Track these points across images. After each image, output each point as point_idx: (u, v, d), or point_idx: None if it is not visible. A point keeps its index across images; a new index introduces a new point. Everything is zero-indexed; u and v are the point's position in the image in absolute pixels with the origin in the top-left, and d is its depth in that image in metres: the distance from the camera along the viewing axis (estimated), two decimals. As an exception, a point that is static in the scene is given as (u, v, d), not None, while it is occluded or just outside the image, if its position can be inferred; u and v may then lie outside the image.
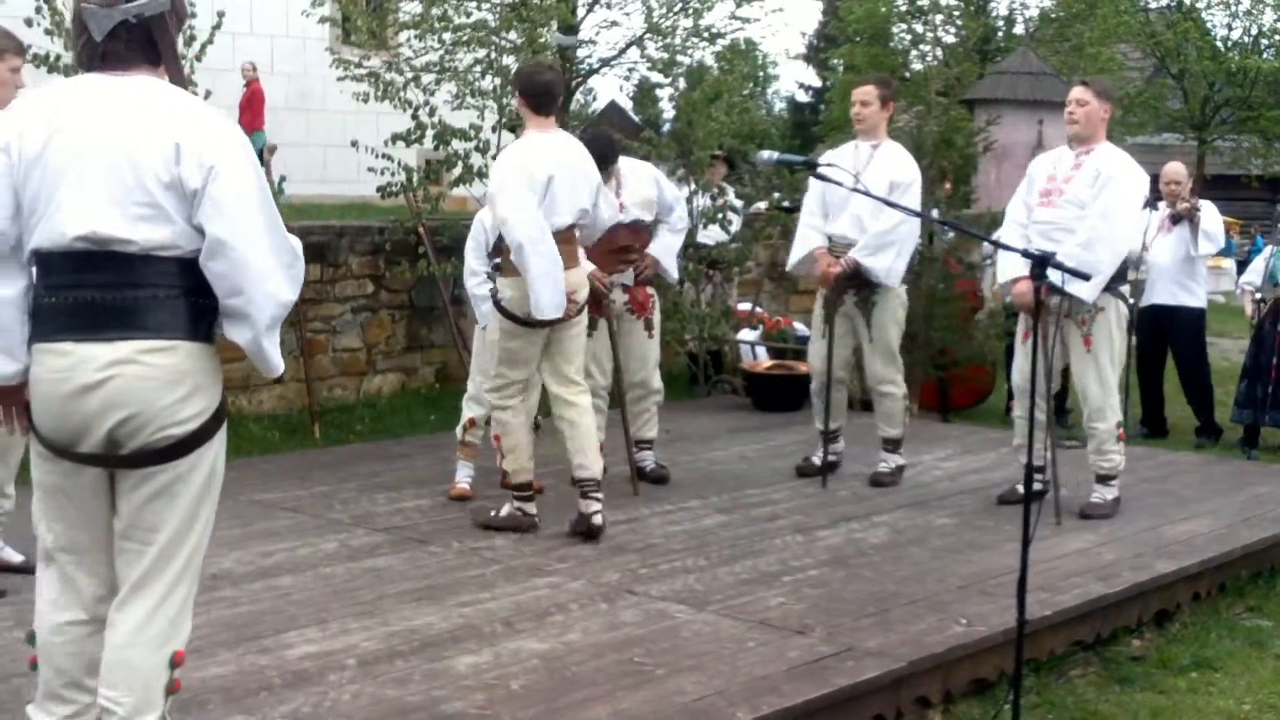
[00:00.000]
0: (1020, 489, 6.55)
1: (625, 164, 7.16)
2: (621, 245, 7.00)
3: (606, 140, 6.85)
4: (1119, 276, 6.53)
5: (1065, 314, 6.45)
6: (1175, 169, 9.89)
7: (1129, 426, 9.48)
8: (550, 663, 4.53)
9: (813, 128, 38.07)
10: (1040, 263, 4.33)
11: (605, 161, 6.47)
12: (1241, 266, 12.33)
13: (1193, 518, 6.66)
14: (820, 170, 5.34)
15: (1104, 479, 6.67)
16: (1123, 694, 5.09)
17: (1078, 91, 6.54)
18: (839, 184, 5.53)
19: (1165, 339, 9.87)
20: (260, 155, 6.92)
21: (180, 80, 3.26)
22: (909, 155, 7.25)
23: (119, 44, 3.19)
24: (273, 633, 4.78)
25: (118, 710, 3.27)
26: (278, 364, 3.27)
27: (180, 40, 3.57)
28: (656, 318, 7.27)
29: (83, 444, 3.19)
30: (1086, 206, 6.37)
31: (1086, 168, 6.44)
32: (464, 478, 6.85)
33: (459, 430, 6.89)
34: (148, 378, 3.14)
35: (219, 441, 3.32)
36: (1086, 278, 4.64)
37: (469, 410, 6.84)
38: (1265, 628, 5.89)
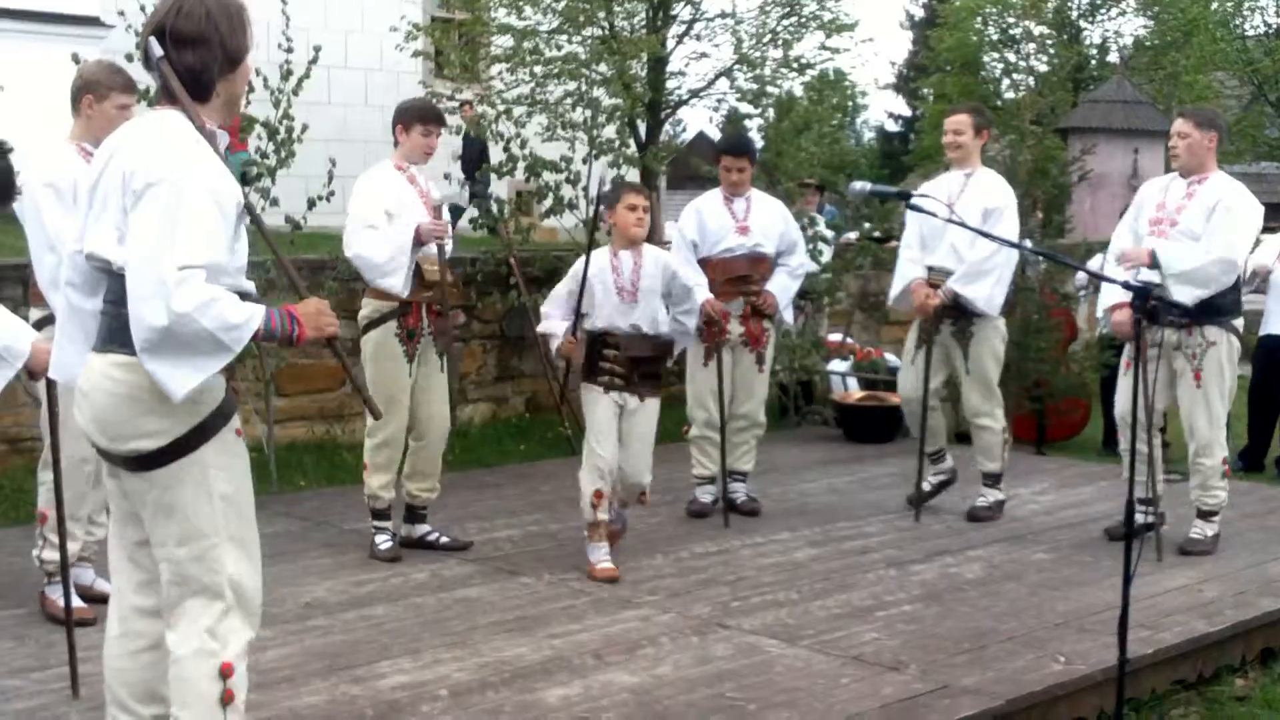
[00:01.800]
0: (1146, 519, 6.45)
1: (756, 193, 7.19)
2: (740, 275, 7.00)
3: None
4: (1232, 309, 6.40)
5: (1175, 347, 6.34)
6: None
7: (1230, 459, 9.31)
8: (640, 696, 4.51)
9: (902, 157, 37.90)
10: (1142, 294, 4.25)
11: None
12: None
13: (1297, 554, 6.50)
14: (914, 201, 5.28)
15: (1206, 515, 6.53)
16: (1226, 735, 4.97)
17: (1178, 124, 6.44)
18: (932, 214, 5.47)
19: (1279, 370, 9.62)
20: (243, 175, 7.07)
21: (192, 115, 3.34)
22: (1003, 181, 7.18)
23: (159, 82, 3.42)
24: (365, 663, 4.81)
25: None
26: (168, 389, 3.19)
27: (259, 78, 3.68)
28: (770, 352, 7.25)
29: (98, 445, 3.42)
30: (1200, 238, 6.26)
31: (1200, 197, 6.32)
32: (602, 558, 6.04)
33: (586, 508, 6.01)
34: (112, 392, 3.30)
35: (216, 454, 3.35)
36: (1187, 311, 4.53)
37: (593, 482, 5.96)
38: (1374, 668, 5.72)
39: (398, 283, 6.03)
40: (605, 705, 4.42)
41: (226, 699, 3.37)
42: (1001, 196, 6.99)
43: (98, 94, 5.16)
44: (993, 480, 7.21)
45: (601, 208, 6.17)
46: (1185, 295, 6.10)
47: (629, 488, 6.11)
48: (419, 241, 6.03)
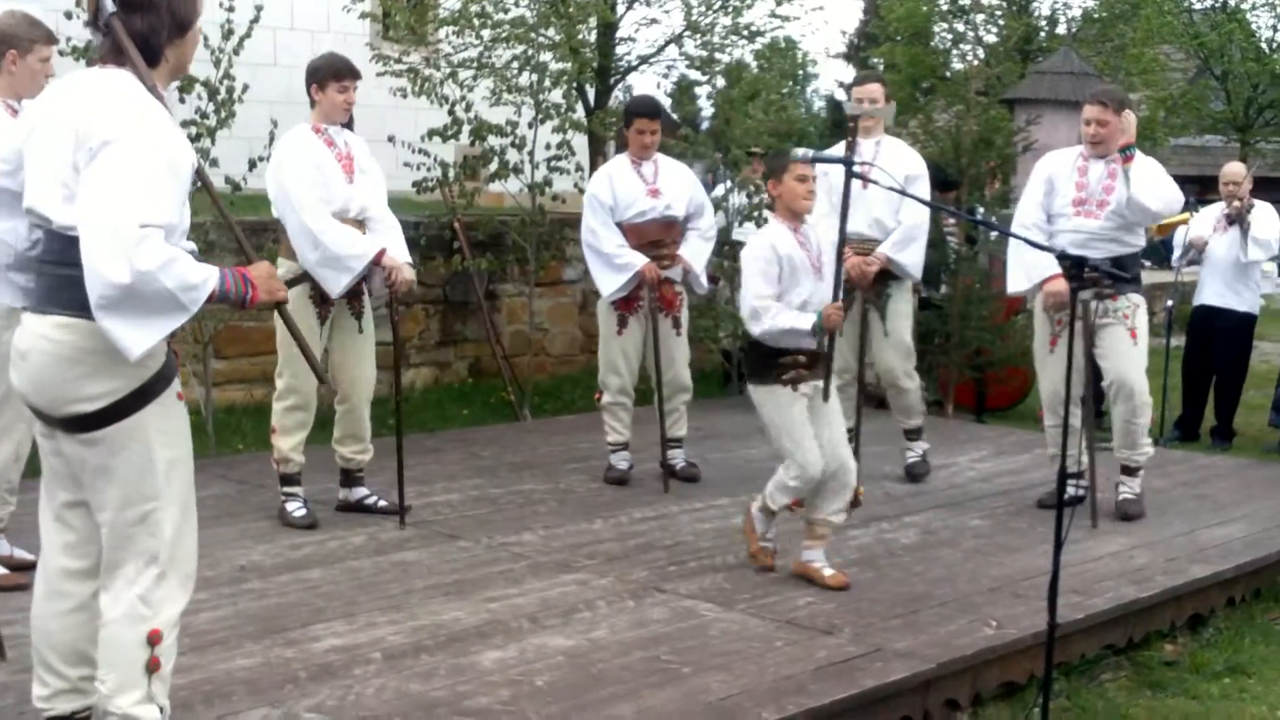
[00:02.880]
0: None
1: (662, 156, 7.17)
2: (654, 240, 6.99)
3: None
4: (1138, 278, 6.57)
5: (1102, 315, 6.40)
6: (1234, 169, 9.76)
7: (1165, 429, 9.44)
8: (576, 659, 4.52)
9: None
10: (1079, 264, 4.27)
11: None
12: (1282, 268, 12.17)
13: (1228, 522, 6.59)
14: (859, 169, 5.28)
15: (1133, 471, 6.60)
16: (1154, 699, 5.04)
17: (1095, 111, 6.40)
18: (876, 183, 5.45)
19: (1211, 340, 9.74)
20: None
21: (141, 74, 3.30)
22: (912, 149, 7.32)
23: (104, 40, 3.36)
24: (299, 625, 4.79)
25: (100, 688, 3.37)
26: (124, 347, 3.14)
27: (201, 39, 3.59)
28: (684, 315, 7.24)
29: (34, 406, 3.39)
30: (1127, 215, 6.33)
31: (1123, 176, 6.37)
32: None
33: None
34: (52, 353, 3.27)
35: (158, 418, 3.33)
36: (1127, 280, 4.58)
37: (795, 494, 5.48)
38: (1300, 634, 5.82)
39: (338, 287, 5.98)
40: (540, 668, 4.42)
41: (152, 665, 3.36)
42: (918, 163, 7.14)
43: (21, 48, 5.04)
44: (916, 433, 7.32)
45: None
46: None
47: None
48: (375, 263, 5.97)
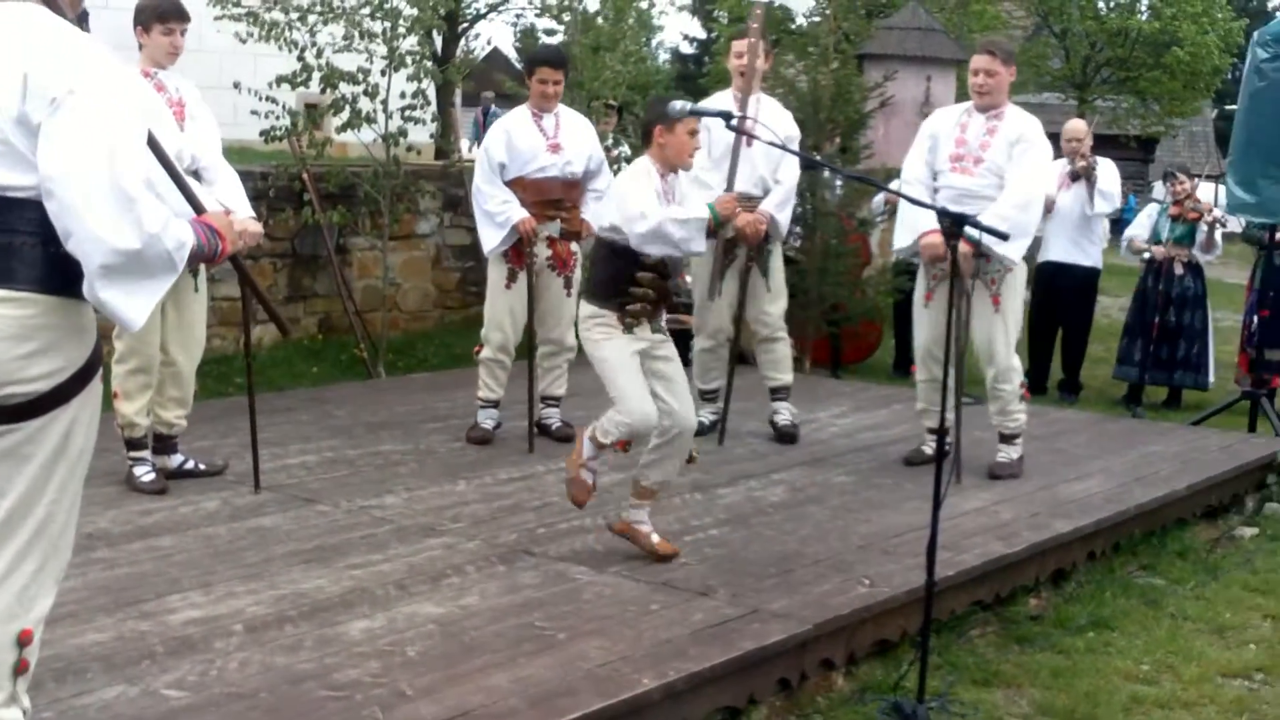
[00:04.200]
0: (925, 450, 6.57)
1: (564, 109, 6.99)
2: (555, 198, 6.83)
3: None
4: None
5: (974, 274, 6.41)
6: (1076, 126, 9.95)
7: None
8: (447, 627, 4.38)
9: (698, 80, 37.90)
10: (959, 221, 4.24)
11: None
12: (1116, 225, 12.50)
13: (1086, 477, 6.69)
14: (737, 124, 5.18)
15: (1009, 438, 6.66)
16: (1023, 654, 5.08)
17: (984, 61, 6.41)
18: (757, 137, 5.37)
19: (1058, 295, 9.92)
20: None
21: (59, 8, 2.99)
22: (786, 110, 7.31)
23: None
24: (154, 596, 4.57)
25: None
26: (127, 318, 2.89)
27: None
28: (577, 275, 7.08)
29: None
30: (1004, 174, 6.33)
31: (1002, 133, 6.39)
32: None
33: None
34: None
35: (82, 406, 3.04)
36: (1005, 237, 4.56)
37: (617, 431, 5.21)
38: (1159, 586, 5.93)
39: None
40: (410, 637, 4.28)
41: (20, 668, 3.09)
42: (793, 124, 7.11)
43: None
44: (784, 392, 7.29)
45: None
46: (1013, 252, 6.20)
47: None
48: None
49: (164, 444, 6.06)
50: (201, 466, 6.11)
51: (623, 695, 3.89)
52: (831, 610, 4.67)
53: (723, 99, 7.04)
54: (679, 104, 4.88)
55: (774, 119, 6.90)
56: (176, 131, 5.70)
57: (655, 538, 5.19)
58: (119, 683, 3.87)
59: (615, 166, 9.73)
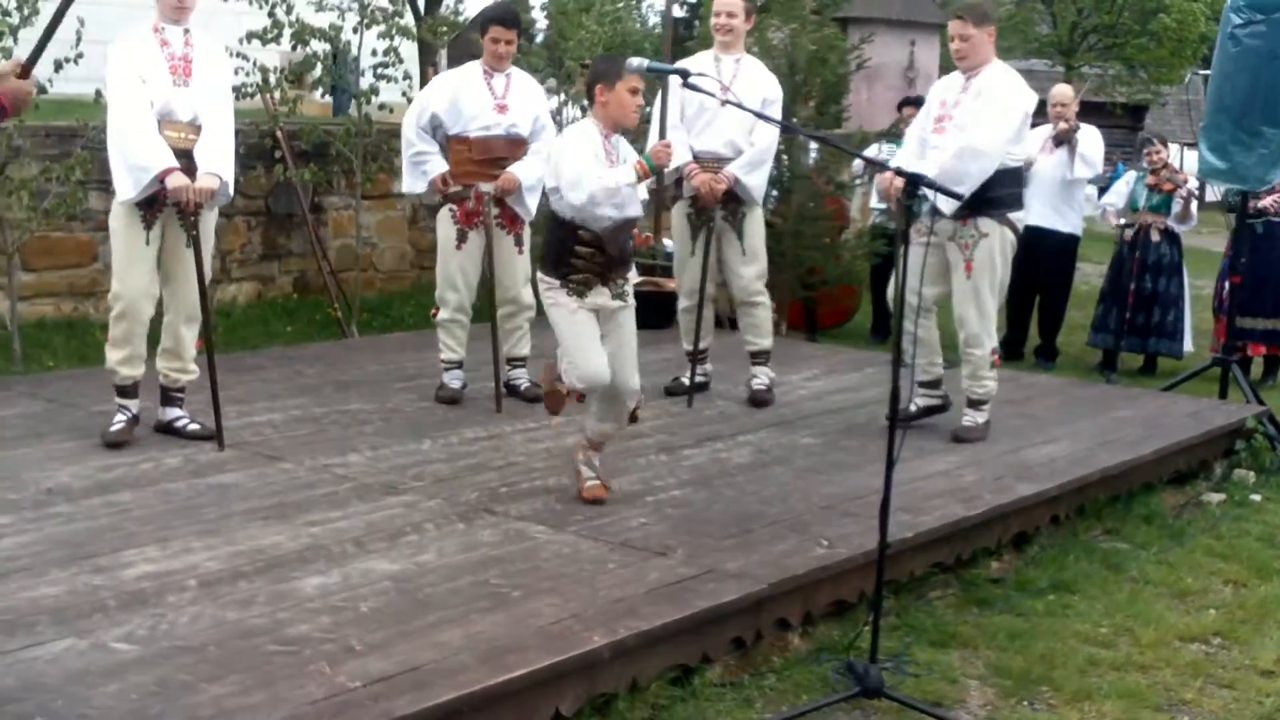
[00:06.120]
0: (910, 408, 6.54)
1: (516, 70, 6.94)
2: (498, 157, 6.78)
3: None
4: (1009, 203, 6.44)
5: (950, 237, 6.39)
6: (1062, 91, 9.93)
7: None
8: (402, 584, 4.38)
9: (687, 42, 37.73)
10: (912, 181, 4.23)
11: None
12: (1102, 192, 12.48)
13: (1053, 441, 6.69)
14: (693, 81, 5.13)
15: (976, 403, 6.65)
16: (981, 616, 5.09)
17: (956, 26, 6.39)
18: (711, 94, 5.35)
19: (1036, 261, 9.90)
20: None
21: None
22: (771, 73, 7.21)
23: None
24: (109, 551, 4.56)
25: None
26: None
27: None
28: (527, 233, 7.05)
29: None
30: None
31: (971, 90, 6.37)
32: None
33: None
34: None
35: None
36: (959, 197, 4.54)
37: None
38: (1122, 550, 5.94)
39: (131, 192, 5.71)
40: (364, 594, 4.27)
41: None
42: (775, 88, 7.07)
43: None
44: (764, 357, 7.26)
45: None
46: (944, 204, 6.15)
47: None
48: (160, 179, 5.67)
49: (164, 396, 6.13)
50: (192, 427, 6.09)
51: (572, 652, 3.90)
52: (788, 570, 4.67)
53: (703, 59, 7.01)
54: (635, 60, 4.85)
55: (755, 80, 6.88)
56: (169, 85, 5.75)
57: (589, 482, 5.35)
58: (68, 635, 3.87)
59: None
